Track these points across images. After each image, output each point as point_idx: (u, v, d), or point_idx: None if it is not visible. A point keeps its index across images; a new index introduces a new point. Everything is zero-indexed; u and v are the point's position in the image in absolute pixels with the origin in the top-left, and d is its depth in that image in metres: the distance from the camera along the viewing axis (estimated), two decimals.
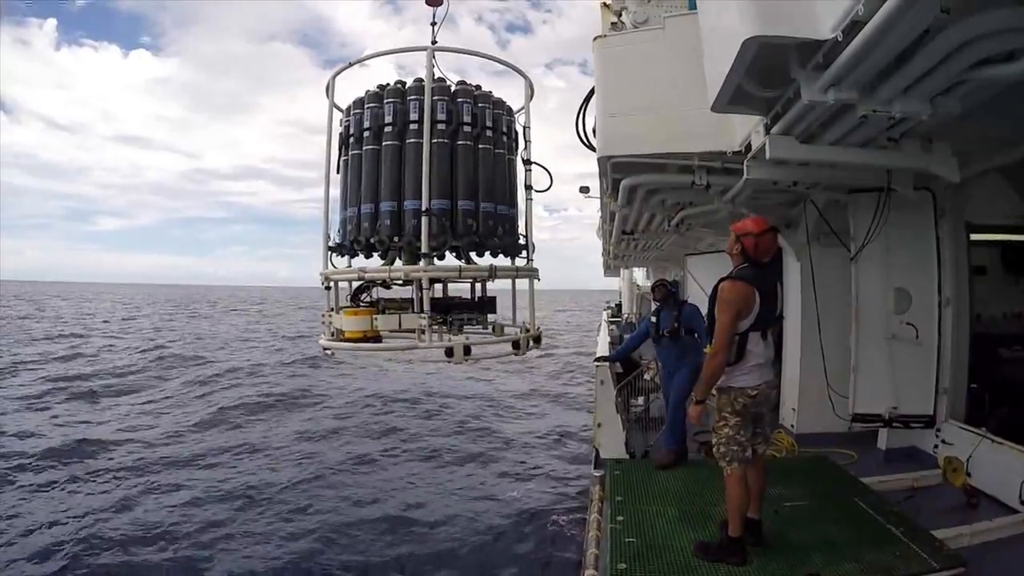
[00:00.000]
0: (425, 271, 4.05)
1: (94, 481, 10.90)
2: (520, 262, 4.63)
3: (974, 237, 6.24)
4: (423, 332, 4.05)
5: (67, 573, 7.64)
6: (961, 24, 2.67)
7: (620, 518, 4.42)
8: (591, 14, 8.69)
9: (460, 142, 4.29)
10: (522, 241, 4.69)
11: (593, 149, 6.19)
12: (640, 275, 28.86)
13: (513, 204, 4.67)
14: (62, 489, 10.54)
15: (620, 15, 8.06)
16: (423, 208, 4.03)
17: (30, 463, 11.71)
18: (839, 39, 2.87)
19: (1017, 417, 5.40)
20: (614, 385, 6.50)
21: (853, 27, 2.74)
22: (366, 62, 4.62)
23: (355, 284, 4.52)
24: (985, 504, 4.80)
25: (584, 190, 19.51)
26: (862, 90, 3.32)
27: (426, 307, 4.06)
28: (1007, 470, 4.76)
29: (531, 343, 4.48)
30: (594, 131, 6.32)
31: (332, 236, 4.60)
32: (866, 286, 5.74)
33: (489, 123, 4.42)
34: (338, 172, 4.61)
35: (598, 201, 11.81)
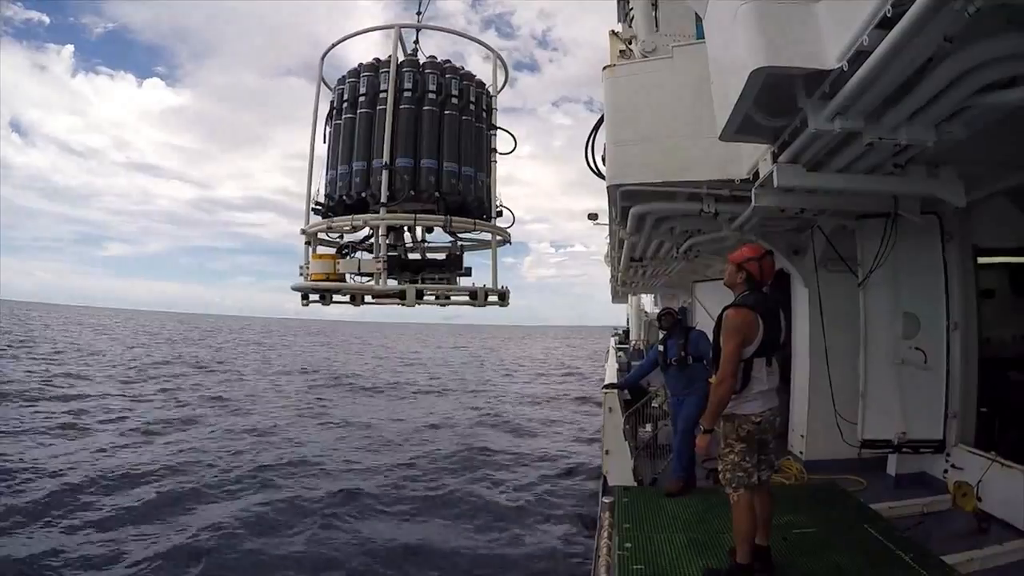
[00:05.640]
0: (383, 219, 4.47)
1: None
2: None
3: (982, 260, 6.26)
4: (379, 275, 4.49)
5: None
6: (964, 52, 2.74)
7: (628, 545, 4.39)
8: (596, 53, 8.91)
9: (426, 108, 4.68)
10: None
11: (603, 177, 6.26)
12: (648, 301, 28.81)
13: (481, 168, 5.03)
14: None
15: (629, 43, 8.20)
16: (384, 163, 4.47)
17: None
18: (844, 69, 2.94)
19: None
20: (622, 412, 6.48)
21: (858, 57, 2.81)
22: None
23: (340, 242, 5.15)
24: (996, 528, 4.77)
25: (593, 217, 19.67)
26: (868, 118, 3.39)
27: (383, 253, 4.49)
28: (1018, 494, 4.74)
29: (490, 297, 4.89)
30: (603, 159, 6.40)
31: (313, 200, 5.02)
32: (874, 311, 5.75)
33: (455, 92, 4.80)
34: (324, 142, 5.08)
35: (606, 229, 11.89)
